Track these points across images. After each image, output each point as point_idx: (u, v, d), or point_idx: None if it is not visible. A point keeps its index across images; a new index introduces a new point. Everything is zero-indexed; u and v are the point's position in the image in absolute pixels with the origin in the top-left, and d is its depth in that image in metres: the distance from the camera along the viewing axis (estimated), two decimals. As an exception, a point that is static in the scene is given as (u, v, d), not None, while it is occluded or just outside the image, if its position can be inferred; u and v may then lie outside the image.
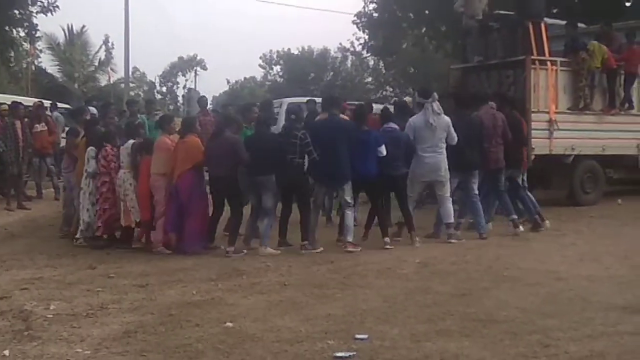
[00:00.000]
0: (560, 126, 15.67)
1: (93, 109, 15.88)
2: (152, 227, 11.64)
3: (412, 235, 11.74)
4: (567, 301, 7.88)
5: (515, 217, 12.67)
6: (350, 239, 11.29)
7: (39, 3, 26.72)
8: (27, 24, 27.49)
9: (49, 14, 27.20)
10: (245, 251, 11.14)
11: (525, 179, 13.57)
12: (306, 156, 11.31)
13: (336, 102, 12.46)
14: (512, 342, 6.38)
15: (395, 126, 12.03)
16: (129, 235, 12.00)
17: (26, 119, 16.98)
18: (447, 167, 11.98)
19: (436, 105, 12.09)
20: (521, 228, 12.65)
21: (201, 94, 30.45)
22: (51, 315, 7.47)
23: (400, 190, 11.97)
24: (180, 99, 75.12)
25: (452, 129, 12.04)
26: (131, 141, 11.96)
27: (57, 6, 26.96)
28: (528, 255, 10.65)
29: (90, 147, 12.09)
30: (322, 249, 11.20)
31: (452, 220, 12.09)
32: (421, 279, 9.11)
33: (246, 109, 13.55)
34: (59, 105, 22.82)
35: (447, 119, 12.09)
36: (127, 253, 11.25)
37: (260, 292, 8.47)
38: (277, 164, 11.22)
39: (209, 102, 55.81)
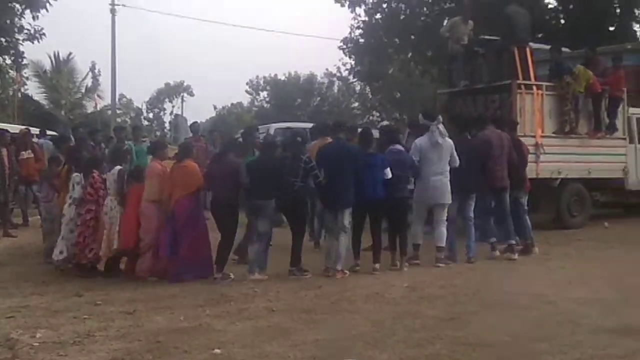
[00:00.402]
0: (547, 150, 15.75)
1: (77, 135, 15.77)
2: (136, 256, 11.50)
3: (403, 259, 11.74)
4: (556, 324, 7.87)
5: (512, 242, 12.68)
6: (340, 267, 11.22)
7: (25, 31, 26.69)
8: (14, 51, 27.42)
9: (35, 42, 27.18)
10: (232, 276, 11.08)
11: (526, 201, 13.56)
12: (310, 180, 11.33)
13: (341, 127, 12.66)
14: (501, 366, 6.37)
15: (401, 148, 12.11)
16: (115, 263, 11.83)
17: (12, 146, 16.92)
18: (450, 190, 12.07)
19: (442, 127, 12.19)
20: (497, 253, 12.67)
21: (188, 120, 30.54)
22: (37, 344, 7.40)
23: (402, 213, 11.98)
24: (167, 125, 75.10)
25: (455, 152, 12.14)
26: (118, 167, 11.82)
27: (44, 34, 26.93)
28: (516, 279, 10.65)
29: (76, 174, 11.97)
30: (310, 275, 11.15)
31: (443, 244, 12.08)
32: (410, 303, 9.09)
33: (248, 133, 13.62)
34: (48, 132, 22.77)
35: (450, 141, 12.20)
36: (114, 280, 11.16)
37: (248, 318, 8.42)
38: (278, 188, 11.21)
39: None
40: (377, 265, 11.46)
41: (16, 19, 26.50)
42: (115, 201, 11.56)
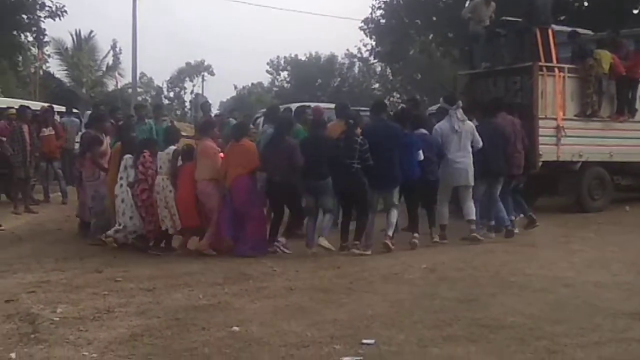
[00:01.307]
0: (568, 133, 15.63)
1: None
2: (194, 233, 11.70)
3: (432, 231, 12.16)
4: (574, 307, 7.84)
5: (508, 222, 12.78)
6: (390, 233, 11.51)
7: (47, 8, 26.78)
8: (35, 28, 27.54)
9: (56, 19, 27.27)
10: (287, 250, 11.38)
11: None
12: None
13: (384, 107, 12.87)
14: (519, 348, 6.36)
15: (426, 131, 12.27)
16: (168, 240, 11.96)
17: (34, 123, 17.02)
18: (473, 171, 12.24)
19: (460, 112, 12.37)
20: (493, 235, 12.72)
21: (207, 100, 30.50)
22: (58, 319, 7.47)
23: (432, 194, 12.21)
24: (187, 104, 75.32)
25: (477, 134, 12.31)
26: (172, 147, 11.83)
27: (65, 11, 27.05)
28: (535, 262, 10.61)
29: (128, 156, 11.99)
30: (370, 252, 11.25)
31: (474, 217, 12.32)
32: (428, 285, 9.09)
33: (299, 111, 13.67)
34: (73, 110, 22.87)
35: (471, 124, 12.41)
36: (134, 257, 11.24)
37: (267, 297, 8.46)
38: (334, 169, 11.34)
39: (217, 107, 55.87)
40: (416, 235, 11.83)
41: (38, -4, 26.56)
42: (168, 180, 11.56)
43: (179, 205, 11.48)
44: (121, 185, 11.94)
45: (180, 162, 11.69)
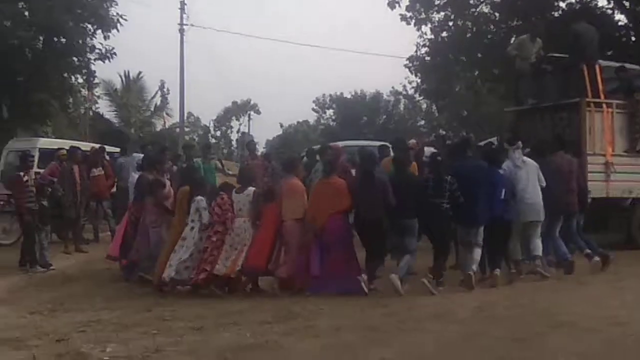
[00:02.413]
0: (617, 169, 15.48)
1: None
2: (263, 274, 11.57)
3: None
4: (626, 347, 7.72)
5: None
6: (474, 268, 11.57)
7: (96, 50, 27.24)
8: (86, 70, 27.98)
9: (106, 61, 27.74)
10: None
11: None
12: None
13: (469, 145, 13.04)
14: (570, 388, 6.28)
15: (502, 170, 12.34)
16: (236, 282, 11.67)
17: (84, 164, 17.27)
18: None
19: (518, 152, 12.57)
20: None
21: (253, 138, 30.80)
22: (108, 358, 7.54)
23: (507, 233, 12.10)
24: (234, 142, 75.91)
25: (540, 173, 12.39)
26: (251, 188, 11.77)
27: (115, 53, 27.45)
28: (584, 300, 10.46)
29: (200, 197, 11.73)
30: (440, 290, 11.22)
31: (540, 253, 12.29)
32: (477, 323, 9.00)
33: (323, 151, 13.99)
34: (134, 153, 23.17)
35: (534, 163, 12.48)
36: (182, 296, 11.30)
37: (315, 336, 8.45)
38: (423, 208, 11.38)
39: (263, 145, 56.19)
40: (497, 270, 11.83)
41: (88, 39, 27.04)
42: (249, 222, 11.52)
43: (254, 246, 11.32)
44: (192, 228, 11.67)
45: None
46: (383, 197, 11.18)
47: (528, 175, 12.31)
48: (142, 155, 14.59)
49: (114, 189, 19.91)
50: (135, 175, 13.94)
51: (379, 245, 11.47)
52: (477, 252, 11.66)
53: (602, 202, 15.24)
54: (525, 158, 12.52)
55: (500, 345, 7.85)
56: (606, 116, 15.60)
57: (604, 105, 15.64)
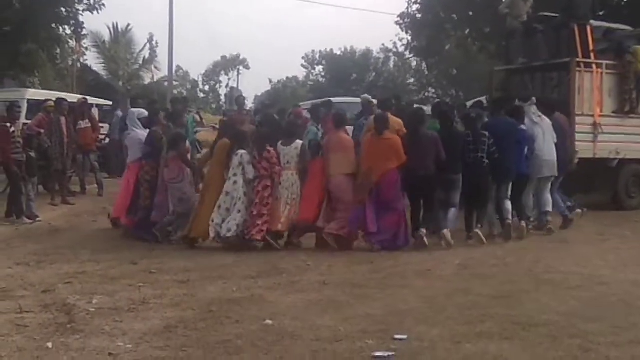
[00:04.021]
0: (605, 130, 15.50)
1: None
2: (307, 230, 11.59)
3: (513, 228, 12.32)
4: (609, 306, 7.79)
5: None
6: (510, 217, 12.16)
7: (85, 1, 26.89)
8: (74, 21, 27.62)
9: (95, 12, 27.42)
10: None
11: None
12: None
13: (503, 104, 13.23)
14: (552, 345, 6.34)
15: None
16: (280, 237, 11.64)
17: (71, 116, 17.16)
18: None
19: (534, 108, 12.93)
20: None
21: (242, 93, 30.59)
22: (94, 309, 7.57)
23: (523, 187, 12.55)
24: (222, 97, 75.55)
25: (553, 130, 12.90)
26: (299, 141, 11.69)
27: (103, 4, 27.11)
28: (569, 259, 10.55)
29: (243, 151, 11.51)
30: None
31: (550, 209, 12.83)
32: (461, 281, 9.08)
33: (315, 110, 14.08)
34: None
35: (548, 119, 12.96)
36: (169, 250, 11.32)
37: (300, 291, 8.50)
38: (466, 164, 11.71)
39: (252, 101, 55.92)
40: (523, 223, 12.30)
41: (76, -11, 26.74)
42: (297, 175, 11.49)
43: (304, 199, 11.38)
44: (235, 182, 11.39)
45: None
46: (436, 153, 11.39)
47: (544, 132, 12.69)
48: (144, 110, 13.97)
49: (106, 142, 19.94)
50: (138, 131, 13.03)
51: (430, 200, 11.71)
52: (508, 204, 12.17)
53: (590, 162, 15.29)
54: (540, 114, 12.86)
55: (483, 302, 7.91)
56: (596, 77, 15.58)
57: (594, 66, 15.61)
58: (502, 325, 6.96)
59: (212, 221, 11.30)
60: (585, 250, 11.32)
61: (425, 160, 11.33)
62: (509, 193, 12.20)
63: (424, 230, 11.40)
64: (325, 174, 11.47)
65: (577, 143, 14.83)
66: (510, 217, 12.11)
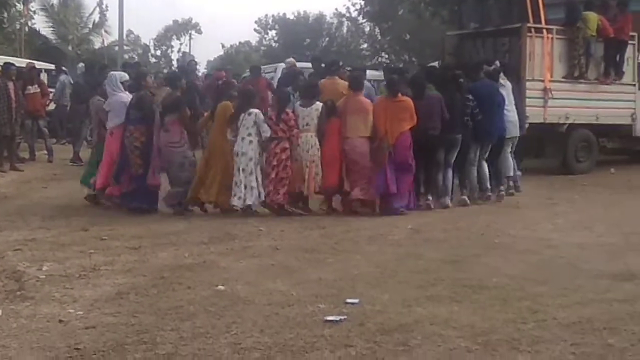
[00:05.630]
0: (555, 95, 15.67)
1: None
2: (334, 193, 11.59)
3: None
4: (557, 268, 7.91)
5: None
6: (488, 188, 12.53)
7: (32, -37, 26.50)
8: (20, -16, 27.29)
9: (42, -25, 27.00)
10: None
11: None
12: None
13: (481, 68, 13.21)
14: (501, 307, 6.41)
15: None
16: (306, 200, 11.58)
17: (19, 81, 16.88)
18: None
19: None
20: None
21: (194, 58, 30.26)
22: (44, 276, 7.48)
23: (502, 148, 12.98)
24: (174, 62, 74.74)
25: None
26: (319, 103, 11.43)
27: (52, -33, 26.77)
28: (519, 223, 10.69)
29: (257, 111, 11.23)
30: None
31: (512, 173, 13.20)
32: (413, 246, 9.14)
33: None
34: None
35: (509, 83, 13.25)
36: (119, 216, 11.22)
37: (252, 256, 8.49)
38: (463, 124, 11.95)
39: (204, 66, 55.41)
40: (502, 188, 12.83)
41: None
42: (315, 138, 11.30)
43: (325, 164, 11.27)
44: (250, 142, 11.03)
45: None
46: (442, 113, 11.62)
47: (508, 94, 12.93)
48: (125, 74, 13.28)
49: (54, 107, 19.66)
50: (121, 94, 11.97)
51: (433, 160, 11.88)
52: (485, 167, 12.50)
53: (540, 127, 15.45)
54: (504, 77, 13.10)
55: (434, 266, 7.98)
56: (546, 42, 15.71)
57: (545, 31, 15.74)
58: (452, 288, 7.04)
59: (235, 192, 11.00)
60: (535, 214, 11.48)
61: (434, 120, 11.55)
62: (486, 154, 12.49)
63: (430, 197, 11.85)
64: (341, 135, 11.41)
65: (527, 108, 14.97)
66: (489, 186, 12.45)
